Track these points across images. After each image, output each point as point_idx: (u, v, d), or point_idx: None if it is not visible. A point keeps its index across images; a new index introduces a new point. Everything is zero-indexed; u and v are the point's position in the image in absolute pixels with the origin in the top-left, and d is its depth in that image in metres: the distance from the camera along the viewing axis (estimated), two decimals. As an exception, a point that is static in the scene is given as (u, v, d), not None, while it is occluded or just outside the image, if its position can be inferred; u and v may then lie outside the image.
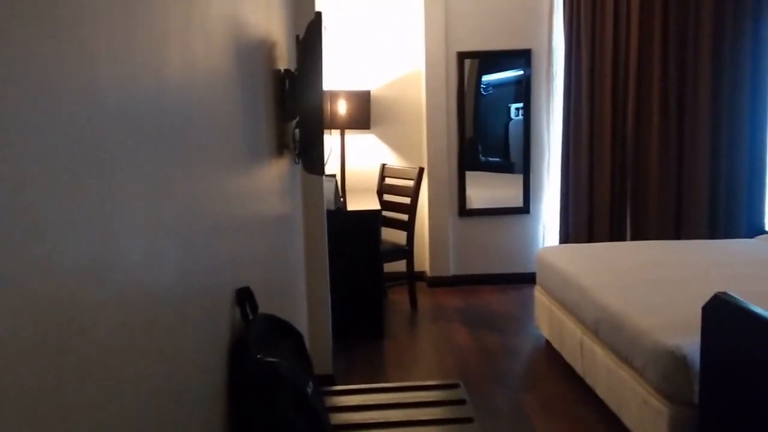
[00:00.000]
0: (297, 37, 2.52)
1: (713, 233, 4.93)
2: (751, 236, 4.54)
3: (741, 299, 1.92)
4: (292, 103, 2.41)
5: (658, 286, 3.12)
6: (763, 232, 4.74)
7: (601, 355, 3.05)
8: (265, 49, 2.18)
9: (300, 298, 3.03)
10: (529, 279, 4.68)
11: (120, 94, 0.80)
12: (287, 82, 2.41)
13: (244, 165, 1.68)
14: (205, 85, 1.27)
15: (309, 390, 1.50)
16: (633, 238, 5.07)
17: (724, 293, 2.00)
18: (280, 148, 2.41)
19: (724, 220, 5.00)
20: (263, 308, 1.57)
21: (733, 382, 1.96)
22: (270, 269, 2.06)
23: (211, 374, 1.23)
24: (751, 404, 1.85)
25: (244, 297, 1.44)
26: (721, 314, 1.96)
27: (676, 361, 2.38)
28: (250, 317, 1.45)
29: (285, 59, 2.63)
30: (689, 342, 2.36)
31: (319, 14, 2.37)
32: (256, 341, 1.38)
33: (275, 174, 2.30)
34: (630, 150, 5.06)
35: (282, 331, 1.59)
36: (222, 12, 1.47)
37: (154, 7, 0.94)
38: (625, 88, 5.04)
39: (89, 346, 0.68)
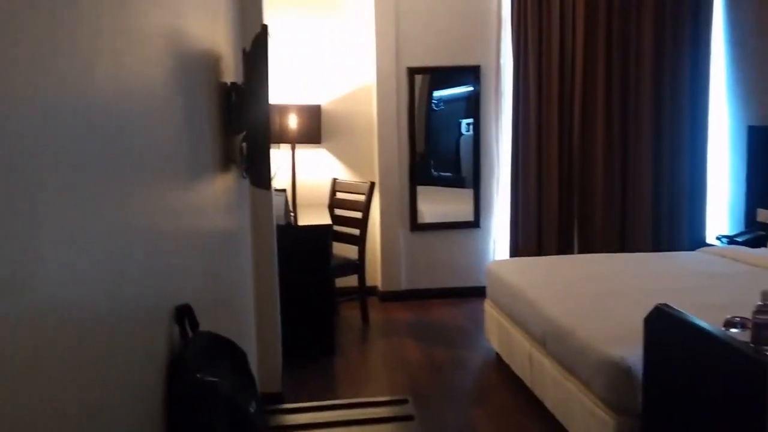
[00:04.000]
0: (243, 49, 2.49)
1: (657, 246, 5.06)
2: (693, 249, 4.67)
3: (680, 310, 1.96)
4: (239, 117, 2.38)
5: (603, 298, 3.18)
6: (704, 244, 4.89)
7: (549, 367, 3.08)
8: (209, 62, 2.15)
9: (247, 316, 2.97)
10: (479, 293, 4.71)
11: (41, 100, 0.76)
12: (233, 95, 2.38)
13: (185, 179, 1.64)
14: (140, 96, 1.23)
15: (251, 409, 1.46)
16: (580, 251, 5.16)
17: (665, 305, 2.05)
18: (227, 162, 2.37)
19: (667, 233, 5.15)
20: (205, 326, 1.53)
21: (674, 392, 1.99)
22: (213, 286, 2.02)
23: (147, 395, 1.19)
24: (692, 414, 1.89)
25: (184, 314, 1.40)
26: (662, 325, 2.00)
27: (621, 372, 2.42)
28: (190, 335, 1.41)
29: (231, 72, 2.60)
30: (633, 353, 2.39)
31: (265, 27, 2.35)
32: (196, 360, 1.34)
33: (220, 188, 2.27)
34: (576, 165, 5.17)
35: (224, 349, 1.56)
36: (161, 23, 1.44)
37: (82, 17, 0.91)
38: (570, 105, 5.15)
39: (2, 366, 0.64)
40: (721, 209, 5.28)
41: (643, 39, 5.04)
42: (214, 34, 2.31)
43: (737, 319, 1.81)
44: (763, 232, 4.47)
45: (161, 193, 1.38)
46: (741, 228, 4.94)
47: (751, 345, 1.62)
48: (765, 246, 4.26)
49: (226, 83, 2.39)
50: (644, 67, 5.05)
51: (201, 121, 1.93)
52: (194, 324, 1.44)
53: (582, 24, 5.02)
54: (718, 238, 4.87)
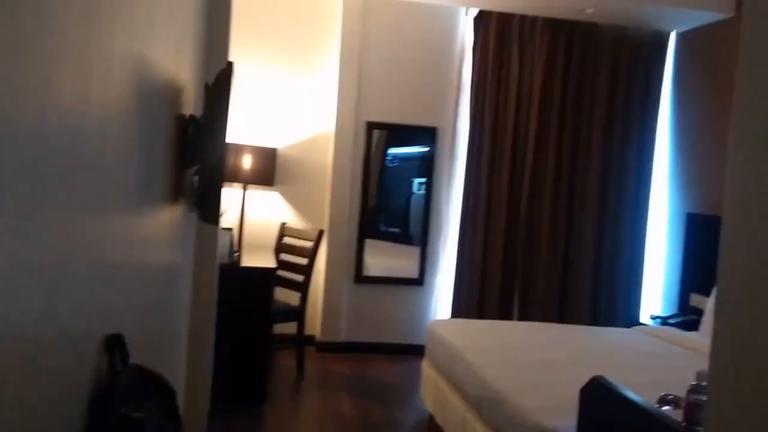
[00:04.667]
0: (206, 84, 2.48)
1: (593, 320, 5.16)
2: (628, 326, 4.77)
3: (617, 384, 1.98)
4: (194, 150, 2.35)
5: (540, 367, 3.19)
6: (639, 323, 5.00)
7: (481, 432, 3.05)
8: (171, 92, 2.13)
9: (180, 353, 2.87)
10: (418, 351, 4.68)
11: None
12: (191, 127, 2.35)
13: (131, 207, 1.60)
14: (96, 120, 1.20)
15: (175, 451, 1.39)
16: (519, 317, 5.22)
17: (601, 377, 2.07)
18: (176, 194, 2.33)
19: (604, 309, 5.28)
20: (136, 358, 1.47)
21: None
22: (148, 319, 1.95)
23: (66, 426, 1.12)
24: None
25: (114, 344, 1.34)
26: (598, 398, 2.02)
27: (553, 442, 2.41)
28: (119, 367, 1.35)
29: (192, 105, 2.58)
30: (567, 424, 2.39)
31: (230, 63, 2.35)
32: (122, 393, 1.28)
33: (167, 220, 2.21)
34: (522, 234, 5.28)
35: (153, 384, 1.49)
36: (126, 49, 1.42)
37: (46, 31, 0.89)
38: (521, 176, 5.30)
39: None
40: (657, 291, 5.44)
41: (593, 124, 5.30)
42: (178, 65, 2.29)
43: (670, 397, 1.83)
44: (695, 316, 4.60)
45: (106, 218, 1.33)
46: (674, 310, 5.09)
47: (684, 424, 1.64)
48: (696, 329, 4.38)
49: (184, 115, 2.37)
50: (593, 150, 5.29)
51: (155, 150, 1.89)
52: (124, 355, 1.37)
53: (537, 100, 5.22)
54: (652, 318, 4.99)
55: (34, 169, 0.88)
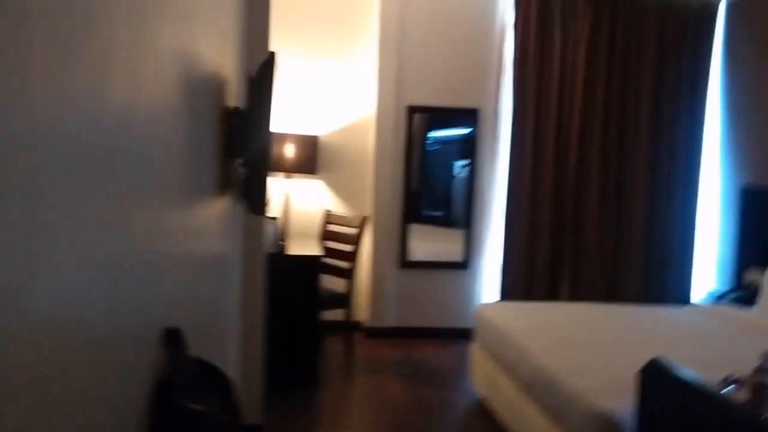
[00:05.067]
0: (249, 75, 2.49)
1: (645, 299, 5.07)
2: (680, 304, 4.67)
3: (675, 365, 1.93)
4: (239, 142, 2.36)
5: (594, 348, 3.14)
6: (691, 300, 4.90)
7: (535, 415, 3.02)
8: (215, 85, 2.14)
9: (232, 343, 2.92)
10: (466, 334, 4.67)
11: (49, 113, 0.74)
12: (235, 119, 2.37)
13: (183, 200, 1.62)
14: (149, 114, 1.21)
15: (235, 441, 1.41)
16: (568, 298, 5.14)
17: (660, 358, 2.02)
18: (223, 186, 2.35)
19: (655, 287, 5.17)
20: (192, 351, 1.49)
21: (665, 449, 1.95)
22: (203, 310, 1.97)
23: (130, 419, 1.14)
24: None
25: (173, 338, 1.36)
26: (657, 379, 1.97)
27: (610, 425, 2.37)
28: (178, 359, 1.37)
29: (235, 97, 2.60)
30: (623, 406, 2.36)
31: (272, 54, 2.35)
32: (182, 386, 1.30)
33: (215, 212, 2.24)
34: (569, 213, 5.19)
35: (210, 376, 1.51)
36: (173, 43, 1.42)
37: (96, 32, 0.90)
38: (566, 154, 5.20)
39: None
40: (710, 267, 5.30)
41: (640, 99, 5.14)
42: (222, 57, 2.30)
43: (734, 377, 1.78)
44: (751, 292, 4.47)
45: (160, 213, 1.35)
46: (729, 286, 4.95)
47: (752, 405, 1.59)
48: (752, 305, 4.26)
49: (228, 107, 2.38)
50: (641, 125, 5.15)
51: (203, 143, 1.91)
52: (183, 348, 1.40)
53: (581, 77, 5.10)
54: (709, 294, 4.87)
55: (92, 169, 0.89)
